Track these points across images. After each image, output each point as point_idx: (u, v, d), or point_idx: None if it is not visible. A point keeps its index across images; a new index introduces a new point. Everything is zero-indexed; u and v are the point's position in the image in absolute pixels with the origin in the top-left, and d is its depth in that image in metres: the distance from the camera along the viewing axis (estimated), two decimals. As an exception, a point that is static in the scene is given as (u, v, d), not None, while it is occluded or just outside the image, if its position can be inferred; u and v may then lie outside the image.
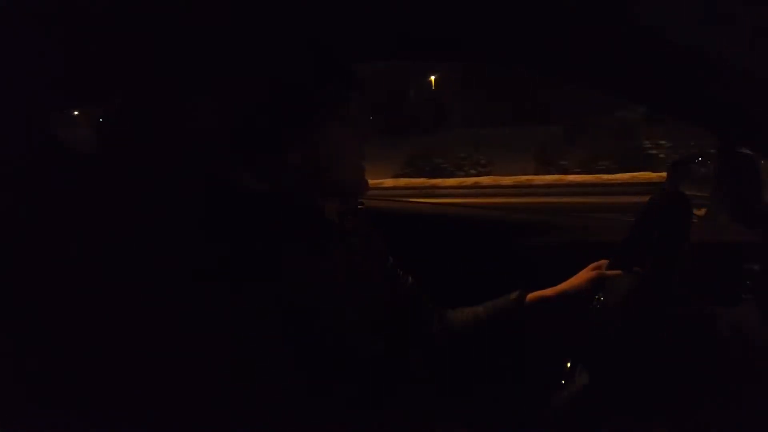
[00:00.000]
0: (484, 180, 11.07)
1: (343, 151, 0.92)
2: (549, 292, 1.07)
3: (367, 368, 0.90)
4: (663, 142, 12.09)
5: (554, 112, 16.60)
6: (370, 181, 0.97)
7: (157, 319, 0.79)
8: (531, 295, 1.08)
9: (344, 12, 0.99)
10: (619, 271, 1.01)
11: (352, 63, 0.94)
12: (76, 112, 1.14)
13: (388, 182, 10.97)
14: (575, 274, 1.08)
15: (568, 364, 1.02)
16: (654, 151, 12.05)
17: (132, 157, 0.98)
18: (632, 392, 0.97)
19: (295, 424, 0.79)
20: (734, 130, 0.98)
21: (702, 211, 1.38)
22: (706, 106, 0.87)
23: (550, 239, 1.56)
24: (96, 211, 0.93)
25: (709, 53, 0.78)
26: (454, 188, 10.67)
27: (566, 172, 11.55)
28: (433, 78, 21.58)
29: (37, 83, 0.97)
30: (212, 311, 0.78)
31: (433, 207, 1.97)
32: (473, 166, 13.49)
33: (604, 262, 1.06)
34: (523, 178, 10.58)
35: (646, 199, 1.02)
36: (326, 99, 0.90)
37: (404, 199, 2.14)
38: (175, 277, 0.80)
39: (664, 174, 1.63)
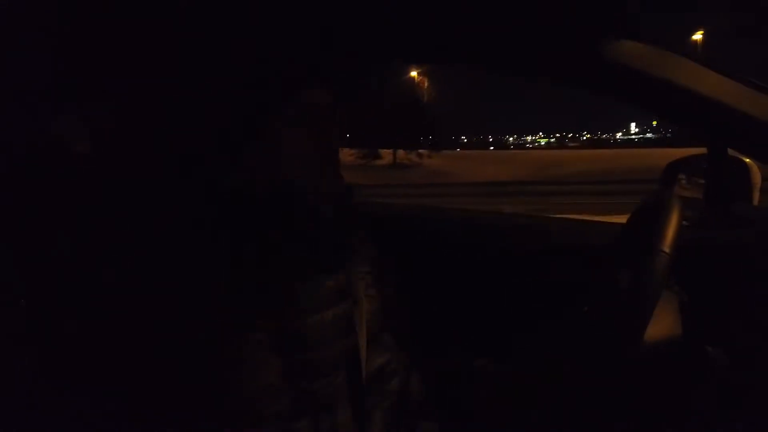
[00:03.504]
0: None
1: (302, 155, 0.87)
2: None
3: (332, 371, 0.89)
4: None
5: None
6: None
7: (151, 319, 0.80)
8: None
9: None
10: None
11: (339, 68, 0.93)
12: (74, 114, 1.14)
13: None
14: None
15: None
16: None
17: (129, 158, 0.98)
18: (620, 399, 0.96)
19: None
20: (724, 133, 0.98)
21: (694, 214, 1.39)
22: (693, 108, 0.87)
23: (545, 243, 1.57)
24: (94, 211, 0.94)
25: (695, 56, 0.79)
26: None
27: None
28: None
29: (36, 85, 0.98)
30: (205, 310, 0.78)
31: (435, 211, 1.97)
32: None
33: None
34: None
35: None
36: (286, 95, 0.86)
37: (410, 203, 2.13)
38: (170, 277, 0.80)
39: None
